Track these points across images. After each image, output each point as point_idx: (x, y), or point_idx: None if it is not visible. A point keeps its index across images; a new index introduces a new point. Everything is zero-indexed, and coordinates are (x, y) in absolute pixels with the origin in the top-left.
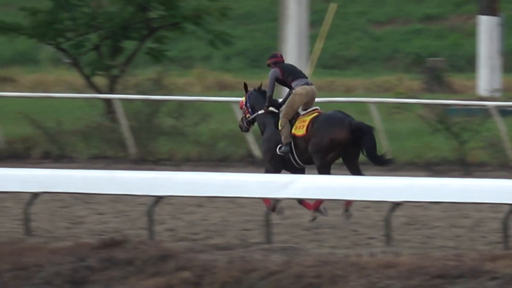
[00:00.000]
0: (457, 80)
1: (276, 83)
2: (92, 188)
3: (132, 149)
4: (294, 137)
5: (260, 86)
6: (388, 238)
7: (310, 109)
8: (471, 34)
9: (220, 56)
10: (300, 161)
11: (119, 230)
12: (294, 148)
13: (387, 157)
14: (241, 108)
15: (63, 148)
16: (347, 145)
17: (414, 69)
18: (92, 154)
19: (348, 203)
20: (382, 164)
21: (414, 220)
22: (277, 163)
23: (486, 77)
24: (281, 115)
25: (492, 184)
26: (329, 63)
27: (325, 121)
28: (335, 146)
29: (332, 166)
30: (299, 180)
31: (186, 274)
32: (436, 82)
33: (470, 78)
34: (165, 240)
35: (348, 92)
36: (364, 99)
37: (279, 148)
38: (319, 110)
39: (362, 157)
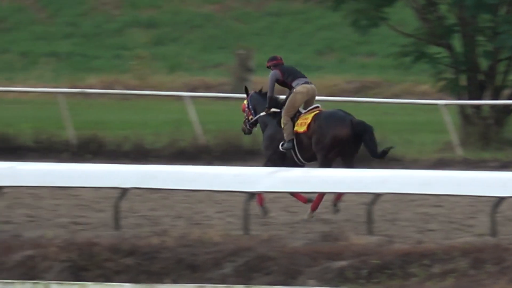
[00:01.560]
0: None
1: (277, 85)
2: None
3: None
4: (296, 134)
5: (261, 89)
6: None
7: (311, 107)
8: None
9: None
10: (302, 158)
11: None
12: (297, 146)
13: (386, 150)
14: (244, 111)
15: None
16: (348, 143)
17: None
18: None
19: None
20: (381, 157)
21: None
22: (277, 159)
23: None
24: (283, 114)
25: None
26: None
27: (327, 119)
28: (337, 143)
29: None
30: None
31: None
32: None
33: None
34: None
35: None
36: None
37: (282, 145)
38: (320, 108)
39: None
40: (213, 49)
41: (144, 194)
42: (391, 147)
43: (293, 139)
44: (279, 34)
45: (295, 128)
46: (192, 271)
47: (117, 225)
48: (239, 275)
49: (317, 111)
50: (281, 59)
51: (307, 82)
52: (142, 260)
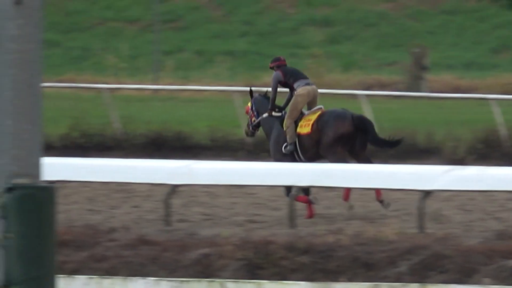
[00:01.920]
0: None
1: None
2: None
3: None
4: (298, 135)
5: (266, 93)
6: None
7: (314, 108)
8: None
9: None
10: (304, 157)
11: None
12: (299, 146)
13: (394, 140)
14: (247, 113)
15: None
16: (351, 137)
17: None
18: None
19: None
20: (392, 146)
21: None
22: (286, 161)
23: None
24: (286, 117)
25: None
26: None
27: (328, 117)
28: (340, 138)
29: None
30: None
31: None
32: None
33: None
34: None
35: None
36: None
37: (285, 147)
38: (322, 109)
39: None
40: (388, 47)
41: (320, 192)
42: (400, 139)
43: (295, 142)
44: (454, 32)
45: (298, 130)
46: (367, 269)
47: (292, 223)
48: (414, 273)
49: (320, 112)
50: (284, 60)
51: (308, 84)
52: (317, 258)
